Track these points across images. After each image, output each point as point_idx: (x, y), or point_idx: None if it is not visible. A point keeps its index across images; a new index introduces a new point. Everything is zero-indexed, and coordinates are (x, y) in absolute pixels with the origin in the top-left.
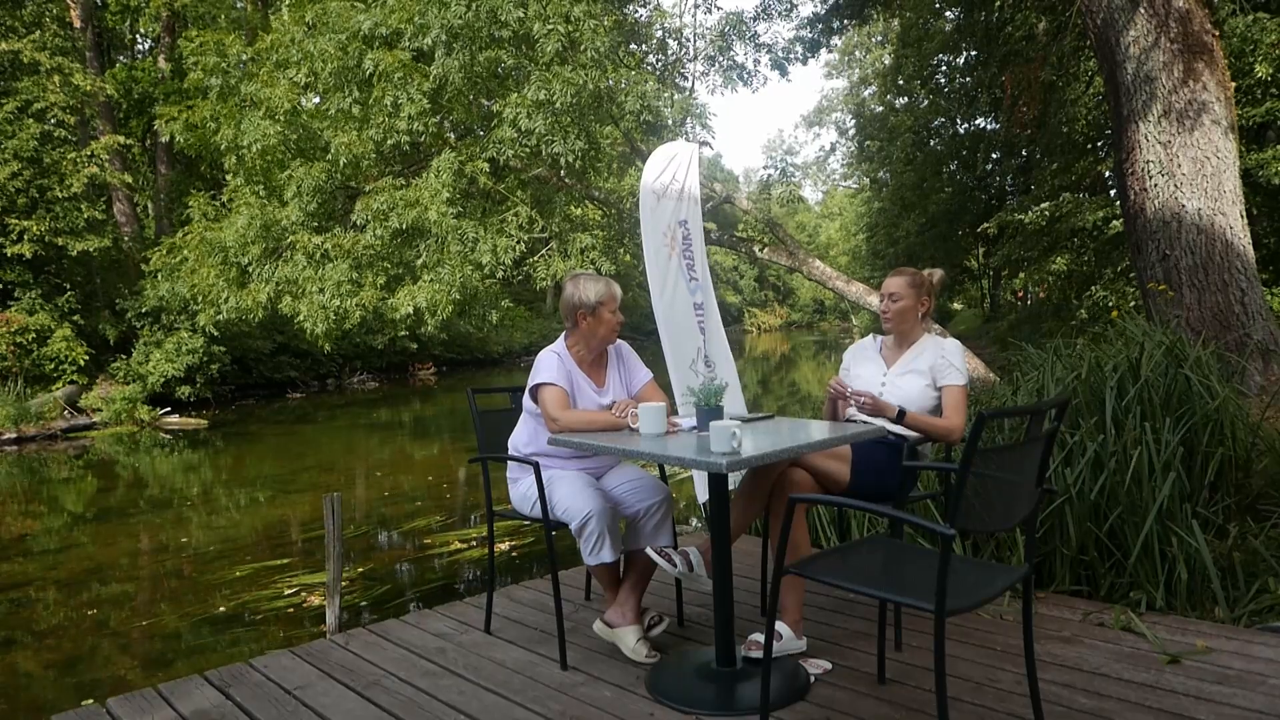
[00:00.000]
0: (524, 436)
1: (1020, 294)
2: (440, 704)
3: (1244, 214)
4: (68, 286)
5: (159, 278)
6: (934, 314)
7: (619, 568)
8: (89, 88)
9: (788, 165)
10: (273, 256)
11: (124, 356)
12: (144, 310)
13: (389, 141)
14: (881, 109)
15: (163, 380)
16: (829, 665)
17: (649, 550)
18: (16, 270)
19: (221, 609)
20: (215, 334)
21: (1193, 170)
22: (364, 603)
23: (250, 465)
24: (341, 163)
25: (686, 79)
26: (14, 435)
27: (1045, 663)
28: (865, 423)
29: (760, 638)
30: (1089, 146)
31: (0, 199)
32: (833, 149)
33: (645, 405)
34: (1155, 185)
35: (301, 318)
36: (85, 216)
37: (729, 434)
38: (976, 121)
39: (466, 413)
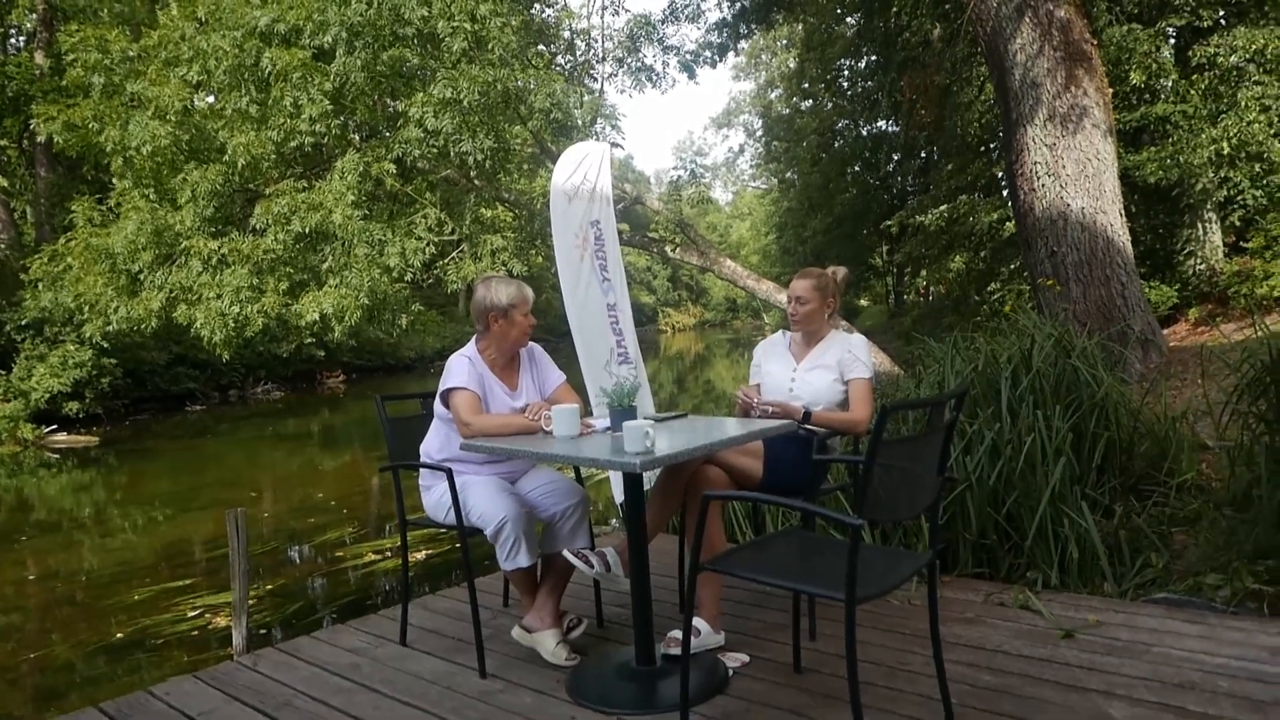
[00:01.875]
0: (436, 443)
1: (924, 290)
2: None
3: (1123, 213)
4: None
5: (40, 287)
6: (840, 311)
7: (536, 572)
8: None
9: (697, 167)
10: (166, 263)
11: (3, 372)
12: (24, 322)
13: (290, 143)
14: (788, 111)
15: (48, 396)
16: (747, 658)
17: (566, 553)
18: None
19: (119, 635)
20: (105, 346)
21: (1076, 171)
22: (274, 621)
23: (147, 483)
24: (239, 164)
25: (596, 80)
26: None
27: (951, 644)
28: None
29: (679, 635)
30: (982, 149)
31: None
32: (741, 150)
33: (559, 407)
34: (1043, 186)
35: (198, 325)
36: None
37: (642, 433)
38: (878, 124)
39: (377, 420)
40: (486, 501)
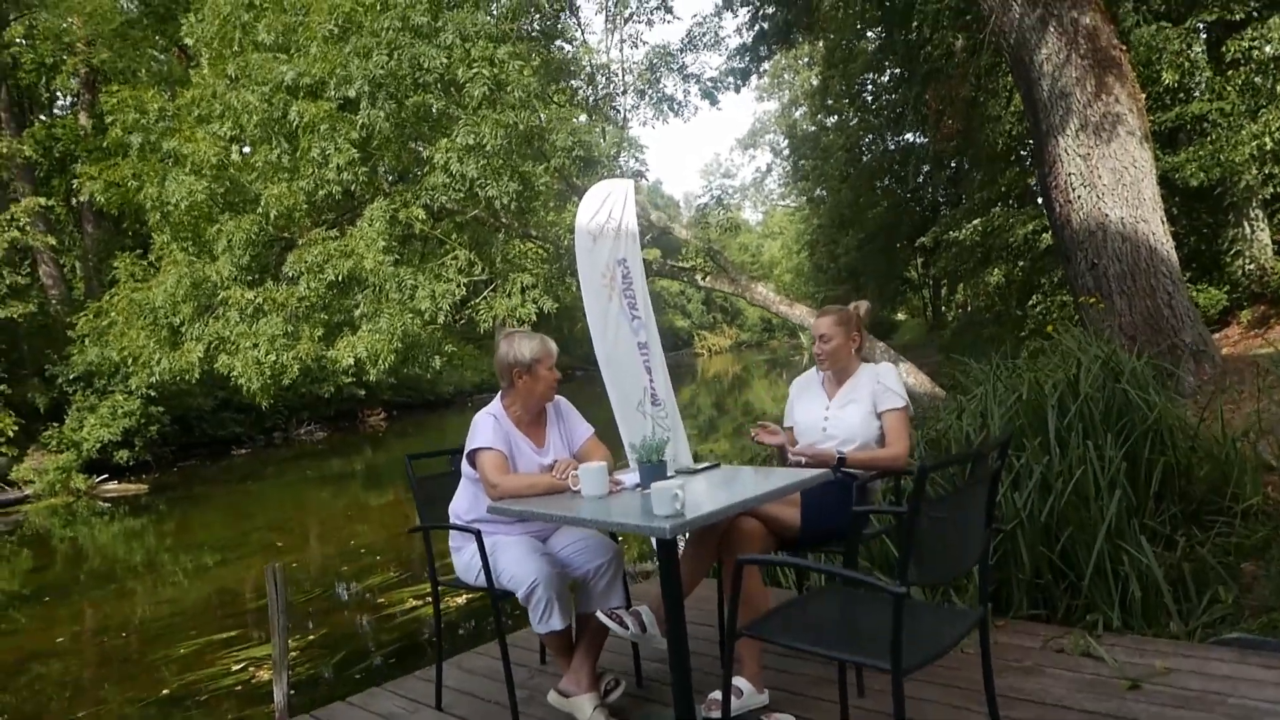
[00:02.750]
0: (464, 503)
1: (964, 303)
2: None
3: (1164, 219)
4: None
5: (86, 342)
6: (873, 329)
7: (571, 633)
8: (5, 150)
9: (724, 193)
10: (205, 314)
11: (56, 424)
12: (75, 375)
13: (320, 191)
14: (813, 128)
15: (98, 446)
16: (792, 719)
17: (599, 614)
18: None
19: (165, 691)
20: (152, 394)
21: (1113, 180)
22: (317, 673)
23: (195, 529)
24: (272, 215)
25: (619, 111)
26: None
27: (1009, 698)
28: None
29: (720, 696)
30: (1013, 158)
31: None
32: (769, 170)
33: (585, 466)
34: (1079, 197)
35: (236, 374)
36: (7, 283)
37: (671, 495)
38: (905, 136)
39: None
40: (517, 563)
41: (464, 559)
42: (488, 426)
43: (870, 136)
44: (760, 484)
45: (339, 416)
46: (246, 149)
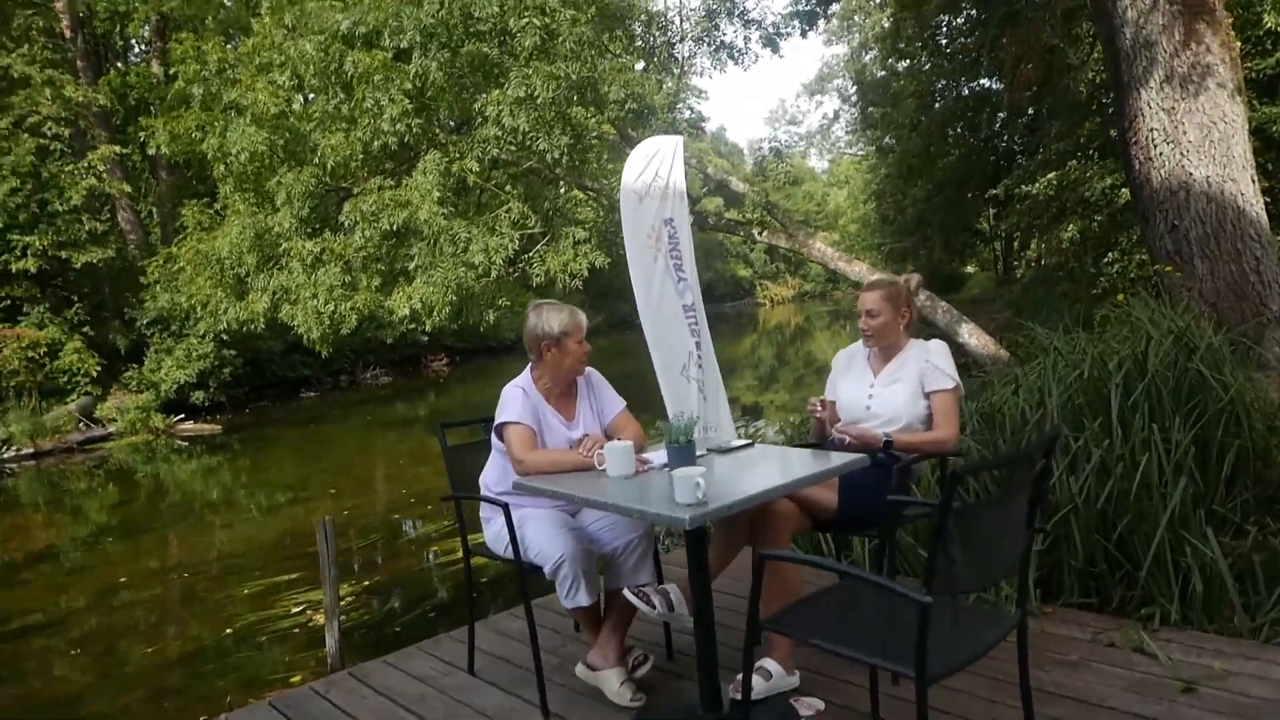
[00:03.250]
0: (494, 475)
1: (1036, 257)
2: None
3: (1255, 179)
4: (75, 299)
5: (158, 289)
6: (939, 282)
7: (599, 607)
8: (81, 98)
9: (788, 142)
10: (269, 265)
11: (136, 365)
12: (150, 319)
13: (375, 143)
14: (883, 73)
15: (175, 387)
16: (821, 705)
17: (626, 592)
18: (23, 286)
19: (229, 631)
20: (225, 338)
21: (1199, 137)
22: (370, 620)
23: (266, 469)
24: (329, 165)
25: (676, 60)
26: (31, 450)
27: (1050, 694)
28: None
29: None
30: (1094, 107)
31: (1, 215)
32: (836, 116)
33: (611, 445)
34: (1160, 154)
35: (298, 324)
36: (87, 228)
37: (693, 484)
38: (980, 82)
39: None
40: (544, 539)
41: (494, 530)
42: (516, 400)
43: (943, 82)
44: (792, 469)
45: (403, 361)
46: (307, 98)
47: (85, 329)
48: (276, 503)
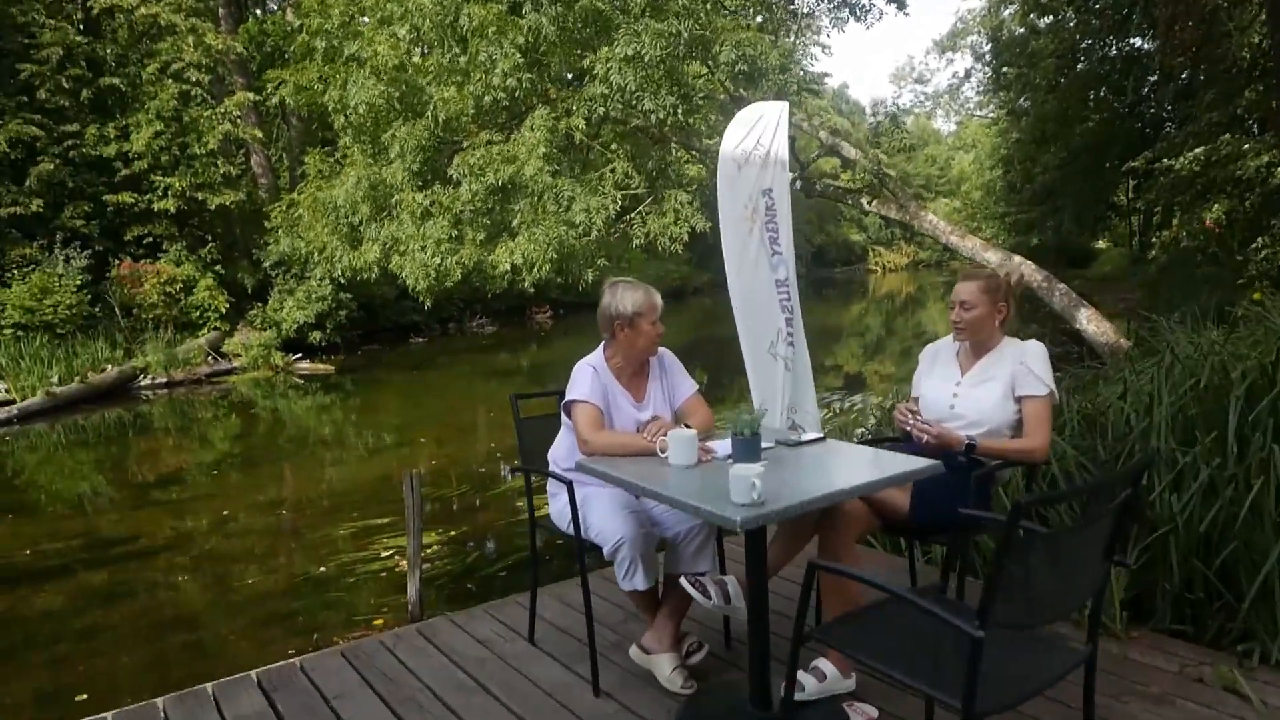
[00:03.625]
0: (562, 450)
1: (1177, 237)
2: None
3: None
4: (209, 238)
5: (279, 233)
6: (1067, 257)
7: (657, 591)
8: (220, 46)
9: (904, 108)
10: (381, 215)
11: (261, 304)
12: (276, 260)
13: (486, 97)
14: (1022, 30)
15: (295, 326)
16: (875, 713)
17: (683, 580)
18: (163, 224)
19: (322, 569)
20: (342, 282)
21: None
22: (453, 569)
23: (373, 412)
24: (441, 119)
25: (794, 17)
26: (165, 379)
27: None
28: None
29: (804, 678)
30: (1256, 74)
31: (147, 157)
32: (967, 76)
33: (675, 433)
34: None
35: (405, 275)
36: (221, 172)
37: (749, 484)
38: (1130, 42)
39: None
40: (605, 519)
41: (558, 505)
42: (586, 378)
43: (1088, 41)
44: (860, 472)
45: (509, 312)
46: (424, 51)
47: (217, 267)
48: (380, 445)
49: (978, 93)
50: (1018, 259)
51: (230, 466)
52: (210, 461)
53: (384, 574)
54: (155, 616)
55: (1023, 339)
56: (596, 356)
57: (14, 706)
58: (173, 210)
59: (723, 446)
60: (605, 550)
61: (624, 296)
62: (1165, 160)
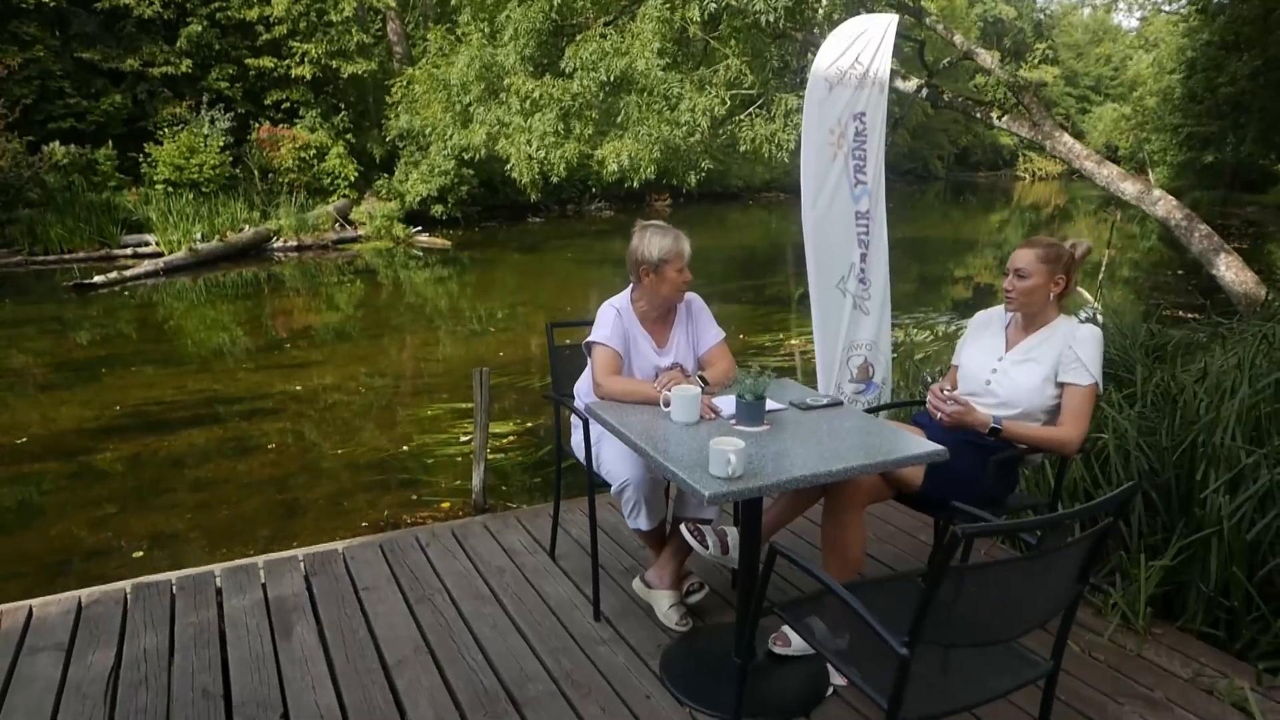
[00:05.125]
0: (584, 385)
1: None
2: (469, 635)
3: None
4: (342, 106)
5: (399, 108)
6: (1239, 180)
7: (664, 529)
8: None
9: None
10: (492, 97)
11: (387, 175)
12: (401, 132)
13: None
14: None
15: (419, 199)
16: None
17: (682, 528)
18: (300, 90)
19: (404, 448)
20: (464, 157)
21: None
22: (521, 462)
23: (485, 291)
24: (556, 2)
25: None
26: (295, 243)
27: None
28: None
29: (790, 633)
30: None
31: (285, 24)
32: None
33: (679, 390)
34: None
35: (510, 164)
36: (355, 40)
37: (725, 458)
38: None
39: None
40: (616, 459)
41: (576, 437)
42: (608, 320)
43: None
44: (866, 448)
45: (628, 197)
46: None
47: (348, 136)
48: (484, 327)
49: None
50: (1157, 192)
51: (343, 336)
52: (332, 324)
53: (459, 459)
54: (256, 475)
55: (1151, 286)
56: (622, 298)
57: (122, 545)
58: (308, 77)
59: (729, 405)
60: (612, 489)
61: (652, 241)
62: None
